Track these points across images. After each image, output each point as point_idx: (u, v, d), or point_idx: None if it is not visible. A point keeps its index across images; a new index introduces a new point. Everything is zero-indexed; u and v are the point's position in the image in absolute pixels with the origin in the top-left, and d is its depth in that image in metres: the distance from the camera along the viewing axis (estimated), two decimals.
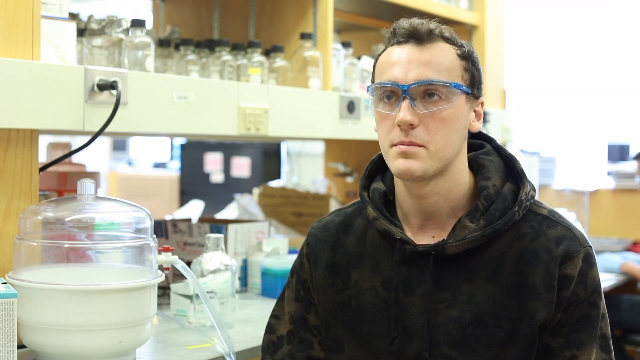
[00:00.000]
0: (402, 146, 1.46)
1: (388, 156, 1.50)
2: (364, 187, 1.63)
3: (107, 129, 1.88)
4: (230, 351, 1.86)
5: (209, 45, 2.51)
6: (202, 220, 2.94)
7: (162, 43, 2.39)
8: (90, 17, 2.29)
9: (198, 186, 6.62)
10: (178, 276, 2.37)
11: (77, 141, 3.11)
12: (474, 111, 1.53)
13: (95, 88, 1.87)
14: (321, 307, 1.62)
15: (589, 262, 1.49)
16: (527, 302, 1.46)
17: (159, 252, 1.80)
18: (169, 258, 1.80)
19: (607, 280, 3.96)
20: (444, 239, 1.50)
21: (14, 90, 1.72)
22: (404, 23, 1.50)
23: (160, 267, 1.80)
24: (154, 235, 1.78)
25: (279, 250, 2.66)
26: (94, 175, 2.64)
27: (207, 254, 2.16)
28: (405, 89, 1.45)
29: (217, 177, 6.55)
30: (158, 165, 9.89)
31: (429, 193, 1.51)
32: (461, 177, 1.53)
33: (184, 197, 6.49)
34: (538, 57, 6.89)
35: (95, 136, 1.90)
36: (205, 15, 3.06)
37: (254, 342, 2.01)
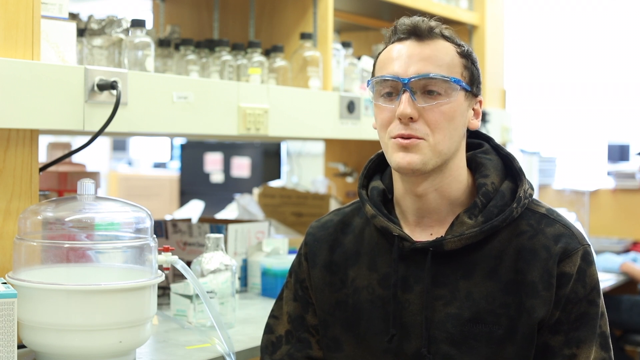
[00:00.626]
0: (401, 140, 1.47)
1: (388, 149, 1.51)
2: (363, 186, 1.63)
3: (107, 129, 1.88)
4: (230, 351, 1.86)
5: (209, 45, 2.51)
6: (202, 220, 2.94)
7: (162, 43, 2.39)
8: (90, 17, 2.29)
9: (198, 186, 6.62)
10: (178, 276, 2.37)
11: (77, 141, 3.11)
12: (473, 109, 1.55)
13: (95, 88, 1.87)
14: (319, 306, 1.62)
15: (588, 260, 1.49)
16: (526, 300, 1.46)
17: (159, 252, 1.80)
18: (169, 258, 1.80)
19: (607, 280, 3.96)
20: (442, 236, 1.51)
21: (14, 90, 1.72)
22: (405, 20, 1.52)
23: (160, 267, 1.80)
24: (154, 235, 1.78)
25: (279, 250, 2.66)
26: (94, 175, 2.64)
27: (207, 254, 2.16)
28: (406, 82, 1.47)
29: (217, 177, 6.55)
30: (158, 165, 9.89)
31: (427, 190, 1.51)
32: (459, 174, 1.54)
33: (184, 197, 6.49)
34: (538, 57, 6.89)
35: (95, 136, 1.90)
36: (205, 15, 3.06)
37: (254, 342, 2.01)
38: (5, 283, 1.63)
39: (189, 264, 2.01)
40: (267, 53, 2.65)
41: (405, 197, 1.55)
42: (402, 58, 1.49)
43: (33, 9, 1.78)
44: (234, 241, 2.65)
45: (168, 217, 3.20)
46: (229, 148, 6.49)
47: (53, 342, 1.64)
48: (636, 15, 6.47)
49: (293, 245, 2.87)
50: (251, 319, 2.27)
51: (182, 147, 7.04)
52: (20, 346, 1.69)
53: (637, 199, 4.86)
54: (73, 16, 2.29)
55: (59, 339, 1.64)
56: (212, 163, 6.59)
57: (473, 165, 1.57)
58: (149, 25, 2.37)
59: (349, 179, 3.95)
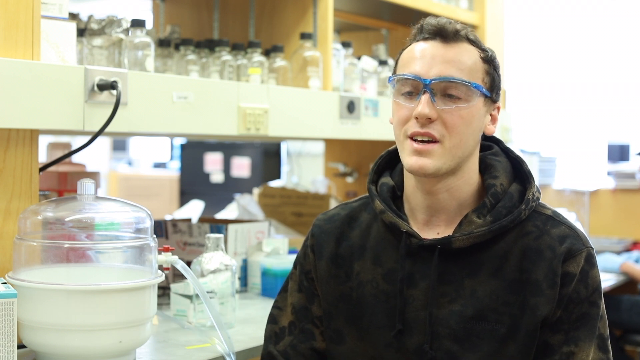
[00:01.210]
0: (415, 144, 1.48)
1: (402, 148, 1.52)
2: (373, 182, 1.65)
3: (107, 129, 1.88)
4: (230, 351, 1.86)
5: (209, 45, 2.51)
6: (202, 220, 2.94)
7: (162, 43, 2.39)
8: (90, 17, 2.29)
9: (198, 186, 6.62)
10: (178, 276, 2.37)
11: (77, 141, 3.11)
12: (490, 115, 1.56)
13: (95, 88, 1.87)
14: (324, 297, 1.63)
15: (591, 262, 1.51)
16: (530, 298, 1.48)
17: (159, 252, 1.80)
18: (169, 258, 1.80)
19: (607, 280, 3.96)
20: (450, 234, 1.52)
21: (14, 90, 1.72)
22: (432, 20, 1.53)
23: (160, 267, 1.80)
24: (154, 235, 1.78)
25: (279, 250, 2.66)
26: (94, 175, 2.64)
27: (207, 254, 2.16)
28: (427, 83, 1.47)
29: (217, 177, 6.55)
30: (158, 165, 9.89)
31: (439, 189, 1.53)
32: (471, 177, 1.55)
33: (184, 197, 6.49)
34: (538, 57, 6.89)
35: (95, 136, 1.90)
36: (205, 15, 3.06)
37: (254, 342, 2.01)
38: (5, 283, 1.63)
39: (189, 264, 2.01)
40: (267, 53, 2.64)
41: (415, 194, 1.56)
42: (426, 58, 1.50)
43: (33, 9, 1.78)
44: (234, 241, 2.65)
45: (168, 217, 3.20)
46: (229, 148, 6.49)
47: (53, 342, 1.64)
48: (636, 15, 6.46)
49: (293, 245, 2.87)
50: (251, 319, 2.27)
51: (182, 147, 7.03)
52: (20, 346, 1.69)
53: (637, 199, 4.86)
54: (73, 16, 2.29)
55: (59, 339, 1.64)
56: (212, 163, 6.59)
57: (482, 166, 1.59)
58: (149, 25, 2.37)
59: (349, 179, 3.94)
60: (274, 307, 1.71)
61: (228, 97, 2.27)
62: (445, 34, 1.50)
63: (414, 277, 1.53)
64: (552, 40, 6.85)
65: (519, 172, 1.60)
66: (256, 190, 3.90)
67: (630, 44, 6.51)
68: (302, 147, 5.74)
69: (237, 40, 2.70)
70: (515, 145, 4.29)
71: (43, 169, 1.97)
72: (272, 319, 1.70)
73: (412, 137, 1.49)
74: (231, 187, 6.31)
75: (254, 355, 1.98)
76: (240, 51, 2.56)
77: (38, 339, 1.66)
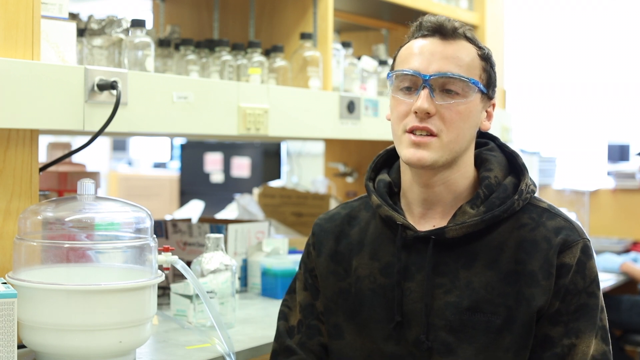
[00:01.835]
0: (413, 137, 1.51)
1: (400, 142, 1.54)
2: (370, 179, 1.68)
3: (107, 129, 1.88)
4: (230, 351, 1.86)
5: (209, 45, 2.51)
6: (202, 220, 2.94)
7: (162, 43, 2.39)
8: (90, 17, 2.29)
9: (198, 186, 6.62)
10: (178, 276, 2.37)
11: (77, 141, 3.11)
12: (486, 111, 1.60)
13: (95, 88, 1.87)
14: (323, 293, 1.66)
15: (587, 253, 1.52)
16: (525, 289, 1.49)
17: (159, 252, 1.80)
18: (169, 258, 1.80)
19: (607, 280, 3.96)
20: (444, 225, 1.54)
21: (14, 90, 1.72)
22: (431, 17, 1.56)
23: (160, 267, 1.80)
24: (154, 235, 1.78)
25: (279, 250, 2.66)
26: (94, 175, 2.64)
27: (207, 254, 2.16)
28: (427, 78, 1.50)
29: (217, 177, 6.55)
30: (158, 165, 9.88)
31: (435, 182, 1.55)
32: (467, 170, 1.58)
33: (184, 197, 6.49)
34: (538, 57, 6.89)
35: (95, 136, 1.90)
36: (205, 15, 3.06)
37: (254, 342, 2.01)
38: (5, 283, 1.63)
39: (189, 264, 2.01)
40: (267, 53, 2.64)
41: (412, 187, 1.59)
42: (425, 54, 1.53)
43: (33, 9, 1.78)
44: (234, 241, 2.65)
45: (168, 217, 3.20)
46: (229, 148, 6.49)
47: (53, 342, 1.64)
48: (636, 15, 6.46)
49: (293, 245, 2.87)
50: (251, 319, 2.27)
51: (182, 147, 7.03)
52: (20, 346, 1.69)
53: (637, 199, 4.86)
54: (73, 16, 2.29)
55: (59, 339, 1.64)
56: (212, 163, 6.59)
57: (478, 161, 1.61)
58: (149, 25, 2.37)
59: (349, 179, 3.94)
60: (283, 305, 1.74)
61: (228, 97, 2.27)
62: (444, 31, 1.53)
63: (410, 270, 1.55)
64: (552, 40, 6.85)
65: (514, 166, 1.63)
66: (256, 190, 3.90)
67: (630, 44, 6.50)
68: (302, 147, 5.74)
69: (237, 40, 2.70)
70: (515, 145, 4.28)
71: (43, 169, 1.96)
72: (283, 316, 1.72)
73: (411, 131, 1.52)
74: (231, 187, 6.31)
75: (253, 355, 1.98)
76: (240, 51, 2.56)
77: (38, 339, 1.66)
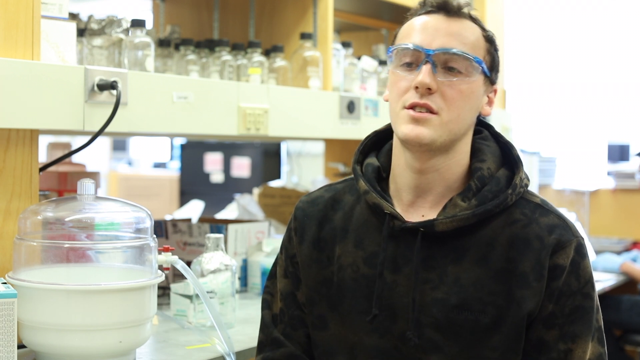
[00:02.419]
0: (412, 112, 1.44)
1: (398, 119, 1.48)
2: (357, 162, 1.61)
3: (107, 129, 1.88)
4: (230, 351, 1.86)
5: (209, 45, 2.51)
6: (202, 220, 2.94)
7: (162, 43, 2.39)
8: (90, 17, 2.29)
9: (198, 186, 6.62)
10: (178, 276, 2.37)
11: (77, 141, 3.11)
12: (488, 97, 1.54)
13: (95, 88, 1.87)
14: (306, 283, 1.59)
15: (581, 252, 1.47)
16: (516, 290, 1.44)
17: (159, 252, 1.80)
18: (169, 258, 1.80)
19: (607, 280, 3.96)
20: (434, 217, 1.48)
21: (14, 90, 1.72)
22: None
23: (160, 267, 1.80)
24: (154, 235, 1.78)
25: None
26: (94, 175, 2.64)
27: (207, 254, 2.16)
28: (430, 53, 1.45)
29: (217, 177, 6.55)
30: (158, 165, 9.89)
31: (429, 168, 1.49)
32: (462, 158, 1.51)
33: (184, 197, 6.49)
34: (538, 57, 6.89)
35: (95, 136, 1.90)
36: (205, 15, 3.06)
37: (254, 342, 2.00)
38: (5, 283, 1.63)
39: (189, 264, 2.01)
40: (267, 53, 2.65)
41: (404, 172, 1.52)
42: (428, 30, 1.47)
43: (33, 9, 1.78)
44: (234, 241, 2.65)
45: (168, 217, 3.20)
46: (229, 148, 6.49)
47: (53, 342, 1.64)
48: (636, 15, 6.47)
49: None
50: (251, 319, 2.27)
51: (182, 147, 7.03)
52: (20, 346, 1.69)
53: (637, 199, 4.86)
54: (73, 16, 2.29)
55: (59, 339, 1.64)
56: (212, 163, 6.59)
57: (471, 150, 1.55)
58: (149, 25, 2.37)
59: None
60: (266, 292, 1.67)
61: (228, 97, 2.27)
62: (449, 7, 1.48)
63: (397, 262, 1.49)
64: (552, 40, 6.85)
65: (508, 157, 1.56)
66: (256, 190, 3.90)
67: (630, 44, 6.51)
68: (302, 147, 5.74)
69: (237, 40, 2.71)
70: (515, 145, 4.28)
71: (43, 169, 1.97)
72: (267, 305, 1.66)
73: (410, 108, 1.45)
74: (231, 187, 6.31)
75: (253, 356, 1.97)
76: (240, 51, 2.56)
77: (38, 339, 1.66)
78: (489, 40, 1.51)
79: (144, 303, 1.71)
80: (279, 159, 6.29)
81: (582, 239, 1.50)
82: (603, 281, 3.91)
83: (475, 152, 1.54)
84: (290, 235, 1.64)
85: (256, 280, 2.66)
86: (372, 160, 1.59)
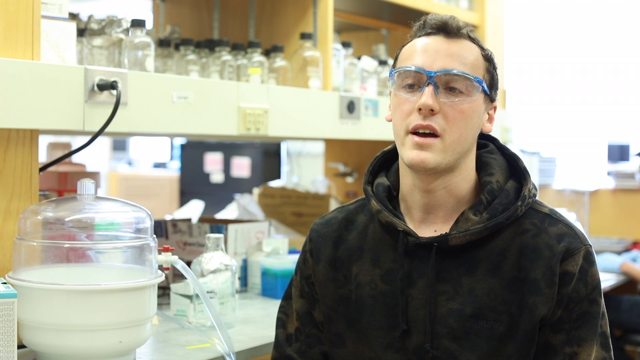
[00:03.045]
0: (417, 138, 1.48)
1: (403, 144, 1.52)
2: (368, 182, 1.65)
3: (107, 129, 1.88)
4: (230, 351, 1.86)
5: (209, 45, 2.51)
6: (202, 220, 2.94)
7: (162, 43, 2.39)
8: (90, 17, 2.29)
9: (198, 186, 6.62)
10: (178, 276, 2.37)
11: (77, 141, 3.11)
12: (488, 114, 1.58)
13: (95, 88, 1.87)
14: (323, 301, 1.63)
15: (590, 260, 1.51)
16: (528, 297, 1.47)
17: (159, 252, 1.80)
18: (169, 258, 1.80)
19: (607, 280, 3.95)
20: (446, 232, 1.52)
21: (14, 90, 1.72)
22: (435, 16, 1.55)
23: (160, 267, 1.80)
24: (154, 235, 1.78)
25: (279, 250, 2.66)
26: (94, 175, 2.64)
27: (207, 254, 2.16)
28: (432, 75, 1.48)
29: (217, 177, 6.55)
30: (158, 165, 9.88)
31: (436, 187, 1.53)
32: (468, 174, 1.55)
33: (184, 197, 6.49)
34: (538, 57, 6.89)
35: (95, 136, 1.90)
36: (205, 15, 3.06)
37: (254, 342, 2.01)
38: (5, 283, 1.63)
39: (189, 264, 2.01)
40: (267, 53, 2.64)
41: (412, 192, 1.56)
42: (429, 52, 1.51)
43: (33, 9, 1.78)
44: (234, 241, 2.65)
45: (168, 217, 3.20)
46: (229, 148, 6.49)
47: (53, 342, 1.64)
48: (636, 16, 6.46)
49: (293, 245, 2.87)
50: (251, 319, 2.27)
51: (182, 147, 7.03)
52: (20, 346, 1.69)
53: (637, 199, 4.86)
54: (73, 16, 2.29)
55: (59, 339, 1.64)
56: (212, 163, 6.59)
57: (478, 164, 1.59)
58: (149, 25, 2.37)
59: (349, 179, 3.95)
60: (281, 312, 1.71)
61: (228, 97, 2.27)
62: (448, 29, 1.52)
63: (412, 276, 1.53)
64: (552, 40, 6.85)
65: (515, 169, 1.61)
66: (256, 190, 3.90)
67: (630, 44, 6.50)
68: (302, 147, 5.74)
69: (237, 40, 2.71)
70: (515, 145, 4.29)
71: (43, 169, 1.97)
72: (281, 324, 1.69)
73: (414, 132, 1.49)
74: (231, 187, 6.31)
75: (253, 356, 1.98)
76: (240, 51, 2.56)
77: (38, 339, 1.66)
78: (488, 59, 1.55)
79: (144, 303, 1.71)
80: (279, 159, 6.29)
81: (591, 246, 1.53)
82: (603, 281, 3.90)
83: (483, 165, 1.59)
84: (306, 257, 1.69)
85: (256, 280, 2.66)
86: (382, 180, 1.63)
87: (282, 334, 1.68)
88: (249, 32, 2.96)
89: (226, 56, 2.49)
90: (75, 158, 2.96)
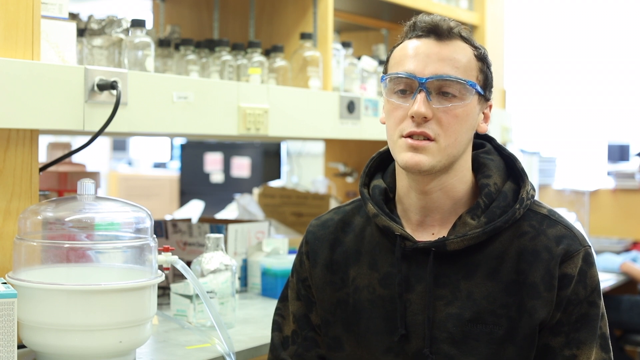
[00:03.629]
0: (410, 140, 1.46)
1: (396, 147, 1.50)
2: (364, 184, 1.63)
3: (107, 129, 1.88)
4: (230, 351, 1.86)
5: (209, 45, 2.51)
6: (202, 220, 2.94)
7: (162, 43, 2.39)
8: (90, 17, 2.29)
9: (198, 186, 6.62)
10: (178, 276, 2.37)
11: (77, 141, 3.11)
12: (483, 113, 1.55)
13: (95, 88, 1.87)
14: (320, 305, 1.62)
15: (589, 261, 1.49)
16: (527, 301, 1.46)
17: (159, 252, 1.80)
18: (169, 258, 1.80)
19: (607, 280, 3.95)
20: (444, 236, 1.51)
21: (14, 90, 1.72)
22: (425, 17, 1.51)
23: (160, 267, 1.80)
24: (154, 235, 1.78)
25: (279, 250, 2.66)
26: (94, 175, 2.64)
27: (207, 254, 2.16)
28: (423, 81, 1.45)
29: (217, 177, 6.55)
30: (158, 165, 9.89)
31: (432, 188, 1.51)
32: (464, 175, 1.53)
33: (184, 197, 6.49)
34: (538, 57, 6.89)
35: (95, 136, 1.90)
36: (205, 15, 3.06)
37: (254, 342, 2.01)
38: (5, 283, 1.63)
39: (189, 264, 2.01)
40: (267, 53, 2.65)
41: (409, 194, 1.54)
42: (420, 56, 1.48)
43: (33, 9, 1.78)
44: (234, 241, 2.65)
45: (168, 217, 3.20)
46: (229, 148, 6.49)
47: (53, 342, 1.64)
48: (636, 16, 6.47)
49: (293, 245, 2.87)
50: (251, 319, 2.27)
51: (182, 147, 7.04)
52: (20, 346, 1.69)
53: (637, 199, 4.86)
54: (73, 16, 2.29)
55: (59, 339, 1.64)
56: (212, 163, 6.59)
57: (475, 165, 1.57)
58: (149, 25, 2.37)
59: (349, 179, 3.95)
60: (277, 314, 1.70)
61: (228, 97, 2.27)
62: (439, 31, 1.48)
63: (410, 281, 1.51)
64: (552, 40, 6.85)
65: (513, 170, 1.58)
66: (256, 190, 3.90)
67: (630, 44, 6.51)
68: (302, 147, 5.74)
69: (237, 40, 2.71)
70: (515, 145, 4.28)
71: (43, 169, 1.97)
72: (277, 327, 1.68)
73: (407, 136, 1.47)
74: (231, 187, 6.31)
75: (253, 356, 1.98)
76: (240, 51, 2.56)
77: (38, 339, 1.66)
78: (481, 58, 1.52)
79: (144, 303, 1.71)
80: (279, 159, 6.29)
81: (590, 247, 1.52)
82: (603, 281, 3.91)
83: (480, 167, 1.56)
84: (302, 259, 1.67)
85: (256, 280, 2.66)
86: (379, 182, 1.61)
87: (278, 338, 1.66)
88: (249, 32, 2.96)
89: (226, 56, 2.49)
90: (75, 158, 2.96)
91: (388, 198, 1.60)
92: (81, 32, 2.16)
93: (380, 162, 1.66)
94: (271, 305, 2.44)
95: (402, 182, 1.55)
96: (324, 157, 4.13)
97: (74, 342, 1.64)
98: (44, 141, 2.55)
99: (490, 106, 1.57)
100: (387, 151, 1.63)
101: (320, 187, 3.93)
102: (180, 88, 2.12)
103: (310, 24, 2.77)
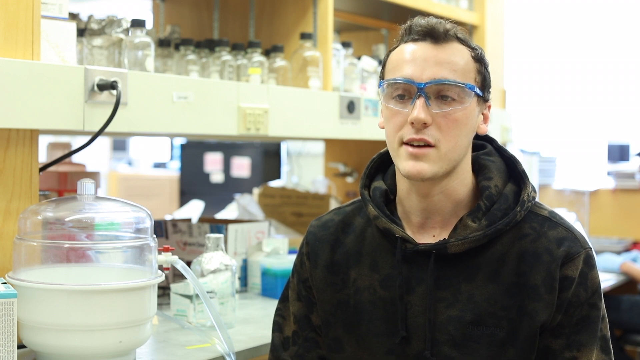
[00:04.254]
0: (411, 148, 1.46)
1: (397, 155, 1.49)
2: (365, 186, 1.62)
3: (107, 129, 1.88)
4: (230, 351, 1.86)
5: (209, 45, 2.51)
6: (202, 220, 2.94)
7: (162, 43, 2.39)
8: (90, 17, 2.29)
9: (198, 186, 6.62)
10: (178, 276, 2.37)
11: (77, 141, 3.11)
12: (482, 114, 1.54)
13: (95, 88, 1.87)
14: (321, 306, 1.61)
15: (590, 263, 1.49)
16: (528, 303, 1.46)
17: (159, 252, 1.80)
18: (169, 258, 1.80)
19: (607, 280, 3.95)
20: (445, 238, 1.50)
21: (14, 90, 1.72)
22: (421, 21, 1.49)
23: (160, 267, 1.80)
24: (154, 235, 1.78)
25: (279, 250, 2.66)
26: (94, 175, 2.64)
27: (207, 254, 2.16)
28: (422, 87, 1.44)
29: (217, 177, 6.55)
30: (158, 165, 9.89)
31: (433, 192, 1.51)
32: (465, 177, 1.53)
33: (184, 197, 6.49)
34: (538, 57, 6.89)
35: (95, 136, 1.90)
36: (205, 15, 3.07)
37: (254, 342, 2.01)
38: (5, 283, 1.63)
39: (189, 264, 2.01)
40: (267, 53, 2.65)
41: (409, 196, 1.54)
42: (417, 60, 1.46)
43: (33, 9, 1.78)
44: (234, 241, 2.66)
45: (168, 217, 3.20)
46: (229, 148, 6.49)
47: (53, 342, 1.64)
48: (636, 16, 6.47)
49: (293, 245, 2.87)
50: (251, 319, 2.27)
51: (182, 147, 7.04)
52: (20, 346, 1.69)
53: (637, 199, 4.86)
54: (73, 16, 2.29)
55: (59, 339, 1.64)
56: (212, 163, 6.59)
57: (476, 167, 1.56)
58: (149, 25, 2.37)
59: (349, 179, 3.95)
60: (277, 315, 1.69)
61: (228, 97, 2.27)
62: (436, 34, 1.47)
63: (410, 283, 1.51)
64: (552, 40, 6.85)
65: (514, 171, 1.57)
66: (256, 190, 3.90)
67: (630, 44, 6.51)
68: (302, 147, 5.74)
69: (237, 40, 2.71)
70: (515, 146, 4.29)
71: (43, 169, 1.97)
72: (278, 327, 1.68)
73: (407, 143, 1.47)
74: (231, 187, 6.32)
75: (253, 356, 1.98)
76: (240, 51, 2.56)
77: (38, 339, 1.66)
78: (478, 59, 1.50)
79: (144, 303, 1.71)
80: (279, 159, 6.29)
81: (591, 249, 1.51)
82: (603, 281, 3.91)
83: (480, 169, 1.56)
84: (302, 259, 1.66)
85: (256, 280, 2.66)
86: (379, 184, 1.60)
87: (278, 338, 1.66)
88: (249, 32, 2.96)
89: (226, 56, 2.49)
90: (75, 158, 2.96)
91: (389, 200, 1.59)
92: (81, 32, 2.16)
93: (380, 164, 1.65)
94: (271, 305, 2.44)
95: (403, 184, 1.55)
96: (324, 157, 4.13)
97: (74, 342, 1.64)
98: (44, 141, 2.55)
99: (490, 107, 1.56)
100: (388, 152, 1.62)
101: (320, 187, 3.93)
102: (180, 88, 2.12)
103: (310, 24, 2.77)
